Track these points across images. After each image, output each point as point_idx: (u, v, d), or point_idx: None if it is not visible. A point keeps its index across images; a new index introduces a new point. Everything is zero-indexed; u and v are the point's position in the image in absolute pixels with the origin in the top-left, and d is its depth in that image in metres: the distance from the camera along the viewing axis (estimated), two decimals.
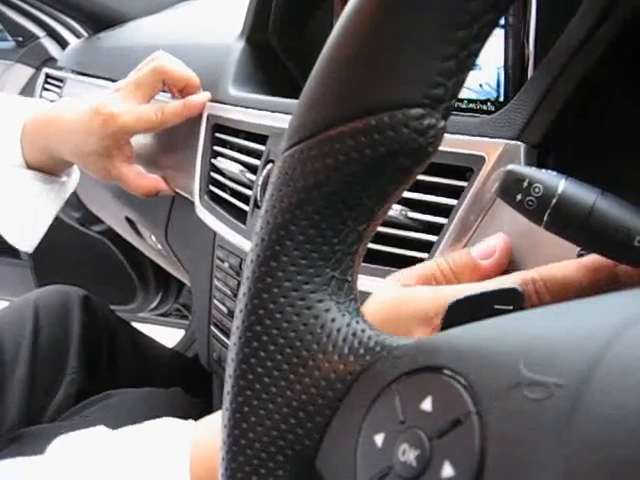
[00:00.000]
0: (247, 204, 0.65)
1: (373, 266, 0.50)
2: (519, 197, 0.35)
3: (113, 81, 1.00)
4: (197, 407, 0.86)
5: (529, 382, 0.20)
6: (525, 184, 0.34)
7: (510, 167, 0.35)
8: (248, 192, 0.66)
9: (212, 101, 0.75)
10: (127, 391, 0.84)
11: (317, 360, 0.27)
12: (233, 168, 0.67)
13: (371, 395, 0.25)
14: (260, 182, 0.63)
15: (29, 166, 0.77)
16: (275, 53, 0.77)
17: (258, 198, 0.63)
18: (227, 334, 0.73)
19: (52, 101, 1.21)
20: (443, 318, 0.31)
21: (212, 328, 0.76)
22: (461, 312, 0.30)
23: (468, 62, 0.25)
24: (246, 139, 0.67)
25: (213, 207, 0.72)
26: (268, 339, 0.28)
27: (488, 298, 0.29)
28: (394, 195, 0.28)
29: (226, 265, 0.72)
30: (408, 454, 0.22)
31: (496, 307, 0.29)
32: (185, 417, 0.86)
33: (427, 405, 0.23)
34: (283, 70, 0.78)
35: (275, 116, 0.64)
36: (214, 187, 0.72)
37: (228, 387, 0.29)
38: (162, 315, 1.86)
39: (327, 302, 0.28)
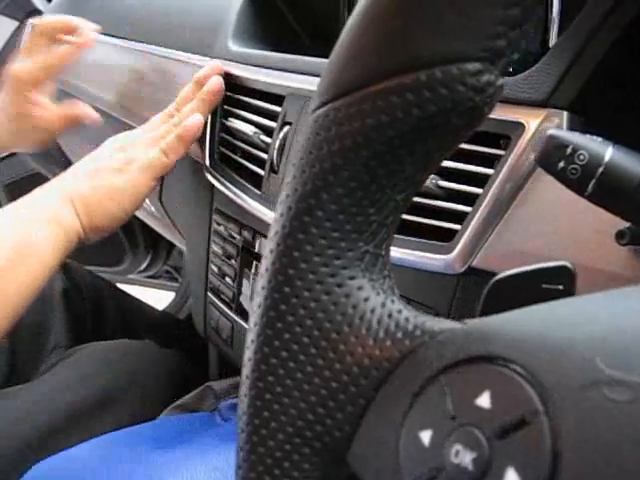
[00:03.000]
0: (261, 168, 0.62)
1: (401, 237, 0.48)
2: (561, 165, 0.32)
3: (103, 34, 0.95)
4: (170, 358, 0.85)
5: (609, 380, 0.18)
6: (569, 151, 0.32)
7: (552, 132, 0.32)
8: (262, 155, 0.62)
9: (214, 57, 0.71)
10: (98, 343, 0.83)
11: (349, 344, 0.24)
12: (247, 129, 0.63)
13: (414, 386, 0.22)
14: (277, 145, 0.59)
15: None
16: (276, 6, 0.73)
17: (274, 162, 0.59)
18: (225, 301, 0.70)
19: None
20: (484, 297, 0.28)
21: (209, 294, 0.74)
22: (504, 291, 0.28)
23: (533, 10, 0.22)
24: (259, 99, 0.63)
25: (224, 170, 0.68)
26: (294, 320, 0.25)
27: (535, 276, 0.27)
28: (438, 161, 0.25)
29: (224, 230, 0.69)
30: (463, 456, 0.20)
31: (544, 286, 0.26)
32: (158, 368, 0.85)
33: (484, 401, 0.20)
34: (284, 24, 0.74)
35: (292, 76, 0.60)
36: (224, 149, 0.69)
37: (247, 371, 0.26)
38: (151, 277, 1.83)
39: (360, 279, 0.25)
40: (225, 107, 0.68)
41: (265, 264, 0.26)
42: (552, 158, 0.32)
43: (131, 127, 0.84)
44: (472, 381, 0.21)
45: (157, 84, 0.81)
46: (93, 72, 0.99)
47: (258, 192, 0.62)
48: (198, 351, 0.86)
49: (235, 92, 0.67)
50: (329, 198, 0.24)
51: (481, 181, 0.44)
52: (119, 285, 1.79)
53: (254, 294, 0.27)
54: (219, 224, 0.70)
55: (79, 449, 0.62)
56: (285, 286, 0.25)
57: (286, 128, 0.59)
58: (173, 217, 0.85)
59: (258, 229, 0.64)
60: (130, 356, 0.80)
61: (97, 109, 0.95)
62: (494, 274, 0.47)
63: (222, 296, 0.71)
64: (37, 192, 0.65)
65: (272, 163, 0.60)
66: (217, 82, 0.67)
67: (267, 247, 0.26)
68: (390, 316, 0.25)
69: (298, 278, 0.25)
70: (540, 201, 0.42)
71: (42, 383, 0.77)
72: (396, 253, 0.48)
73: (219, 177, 0.68)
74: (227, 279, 0.69)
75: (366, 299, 0.25)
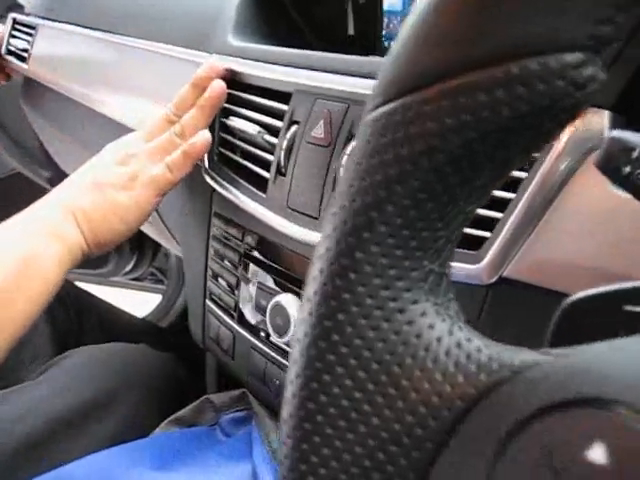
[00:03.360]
0: (266, 169, 0.58)
1: None
2: (627, 170, 0.28)
3: (88, 28, 0.91)
4: (166, 363, 0.82)
5: None
6: (635, 154, 0.28)
7: (615, 134, 0.29)
8: (267, 156, 0.58)
9: (211, 53, 0.67)
10: (90, 347, 0.81)
11: (413, 379, 0.21)
12: (249, 129, 0.60)
13: (500, 431, 0.19)
14: (284, 146, 0.55)
15: None
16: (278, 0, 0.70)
17: (281, 163, 0.56)
18: (226, 310, 0.67)
19: (23, 49, 1.11)
20: (556, 321, 0.25)
21: (208, 303, 0.70)
22: (579, 314, 0.24)
23: None
24: (263, 96, 0.60)
25: (224, 171, 0.64)
26: (348, 351, 0.22)
27: (615, 296, 0.24)
28: (513, 169, 0.22)
29: (224, 234, 0.66)
30: None
31: (626, 308, 0.23)
32: (151, 372, 0.82)
33: (598, 455, 0.17)
34: (287, 18, 0.70)
35: (299, 72, 0.56)
36: (224, 149, 0.65)
37: (291, 410, 0.23)
38: (136, 279, 1.78)
39: (423, 303, 0.22)
40: (225, 105, 0.64)
41: (313, 287, 0.22)
42: (615, 163, 0.29)
43: (119, 126, 0.80)
44: (580, 429, 0.17)
45: (149, 82, 0.77)
46: (77, 68, 0.94)
47: (263, 195, 0.58)
48: (193, 360, 0.82)
49: (236, 89, 0.63)
50: (394, 211, 0.21)
51: (513, 185, 0.41)
52: (103, 288, 1.74)
53: (298, 321, 0.23)
54: (218, 228, 0.66)
55: (75, 466, 0.59)
56: (339, 312, 0.22)
57: (294, 127, 0.55)
58: (167, 220, 0.81)
59: (263, 234, 0.60)
60: (126, 360, 0.77)
61: (82, 106, 0.91)
62: (526, 285, 0.44)
63: (222, 304, 0.67)
64: (37, 206, 0.62)
65: (279, 165, 0.56)
66: (218, 88, 0.63)
67: (315, 266, 0.23)
68: (459, 346, 0.21)
69: (354, 303, 0.21)
70: (577, 208, 0.39)
71: (34, 387, 0.73)
72: None
73: (219, 179, 0.65)
74: (227, 286, 0.65)
75: (431, 326, 0.22)
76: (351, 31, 0.69)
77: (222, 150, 0.66)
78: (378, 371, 0.21)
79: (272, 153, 0.59)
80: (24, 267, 0.56)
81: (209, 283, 0.69)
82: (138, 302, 1.71)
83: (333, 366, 0.22)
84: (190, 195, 0.71)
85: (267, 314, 0.58)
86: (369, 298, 0.21)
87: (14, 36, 1.15)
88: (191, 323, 0.75)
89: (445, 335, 0.22)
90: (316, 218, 0.53)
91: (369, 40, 0.67)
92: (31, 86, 1.16)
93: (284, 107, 0.57)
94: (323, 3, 0.69)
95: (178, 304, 1.56)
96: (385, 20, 0.66)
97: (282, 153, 0.56)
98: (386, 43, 0.66)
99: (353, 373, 0.22)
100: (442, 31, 0.19)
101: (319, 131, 0.53)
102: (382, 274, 0.21)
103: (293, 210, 0.55)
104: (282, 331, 0.56)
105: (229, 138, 0.65)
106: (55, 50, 1.00)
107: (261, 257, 0.61)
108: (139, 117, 0.77)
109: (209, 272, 0.69)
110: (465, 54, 0.19)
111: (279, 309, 0.57)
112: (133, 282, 1.78)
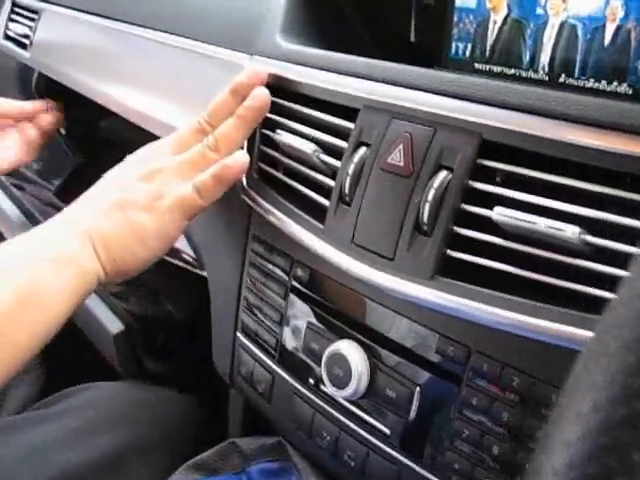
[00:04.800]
0: (321, 194, 0.51)
1: (536, 304, 0.38)
2: None
3: (97, 16, 0.82)
4: (179, 399, 0.77)
5: None
6: None
7: None
8: (325, 180, 0.50)
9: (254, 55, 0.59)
10: (100, 384, 0.76)
11: None
12: (302, 146, 0.51)
13: None
14: (350, 171, 0.47)
15: None
16: None
17: (345, 192, 0.48)
18: (264, 348, 0.59)
19: (23, 35, 1.01)
20: None
21: (240, 336, 0.62)
22: None
23: None
24: (318, 109, 0.52)
25: (267, 191, 0.56)
26: None
27: None
28: None
29: (266, 263, 0.58)
30: None
31: None
32: (165, 411, 0.76)
33: None
34: (340, 18, 0.63)
35: (369, 85, 0.48)
36: (266, 165, 0.57)
37: None
38: None
39: None
40: (268, 115, 0.57)
41: (578, 427, 0.15)
42: None
43: (142, 132, 0.72)
44: None
45: (177, 83, 0.69)
46: (90, 61, 0.86)
47: (319, 225, 0.50)
48: (213, 395, 0.75)
49: (283, 98, 0.56)
50: None
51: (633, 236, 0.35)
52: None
53: (561, 409, 0.16)
54: (258, 255, 0.58)
55: None
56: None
57: (362, 150, 0.48)
58: (193, 234, 0.72)
59: (316, 268, 0.53)
60: (141, 401, 0.69)
61: (102, 108, 0.82)
62: None
63: (259, 341, 0.59)
64: (46, 227, 0.54)
65: (342, 192, 0.49)
66: (263, 96, 0.55)
67: (580, 398, 0.15)
68: None
69: None
70: None
71: (38, 428, 0.66)
72: (528, 323, 0.38)
73: (259, 199, 0.57)
74: (267, 322, 0.58)
75: None
76: (413, 36, 0.61)
77: (263, 166, 0.58)
78: None
79: (327, 175, 0.51)
80: (24, 297, 0.48)
81: (242, 314, 0.61)
82: None
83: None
84: (224, 211, 0.63)
85: (322, 362, 0.50)
86: None
87: (13, 20, 1.06)
88: (216, 354, 0.67)
89: None
90: (390, 259, 0.45)
91: (434, 45, 0.59)
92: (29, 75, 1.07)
93: (348, 125, 0.49)
94: (383, 2, 0.62)
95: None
96: (455, 18, 0.58)
97: (348, 179, 0.48)
98: (455, 46, 0.58)
99: None
100: None
101: (397, 157, 0.46)
102: None
103: (360, 247, 0.47)
104: (341, 384, 0.49)
105: (272, 152, 0.57)
106: (63, 39, 0.91)
107: (314, 294, 0.53)
108: (163, 123, 0.69)
109: (243, 302, 0.61)
110: None
111: (338, 358, 0.49)
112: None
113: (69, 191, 1.08)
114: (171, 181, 0.55)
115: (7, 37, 1.06)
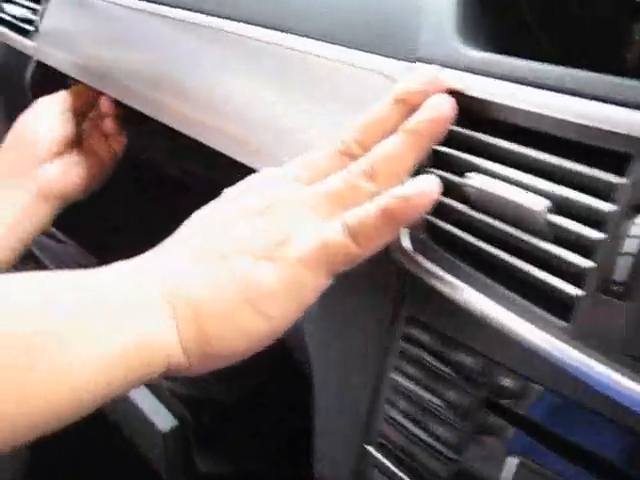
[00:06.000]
0: (554, 274, 0.34)
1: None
2: None
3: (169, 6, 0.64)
4: None
5: None
6: None
7: None
8: (558, 252, 0.34)
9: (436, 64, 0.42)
10: None
11: None
12: (526, 201, 0.34)
13: None
14: (626, 248, 0.31)
15: None
16: None
17: (617, 279, 0.31)
18: (408, 469, 0.42)
19: (25, 20, 0.81)
20: None
21: (370, 449, 0.45)
22: None
23: None
24: (540, 147, 0.36)
25: (442, 256, 0.39)
26: None
27: None
28: None
29: (433, 360, 0.41)
30: None
31: None
32: None
33: None
34: (518, 20, 0.47)
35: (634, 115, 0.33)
36: (438, 219, 0.40)
37: None
38: None
39: None
40: (445, 150, 0.40)
41: None
42: None
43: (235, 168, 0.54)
44: None
45: (308, 101, 0.51)
46: (157, 69, 0.67)
47: (563, 324, 0.34)
48: None
49: (472, 127, 0.39)
50: None
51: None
52: None
53: None
54: (420, 345, 0.42)
55: None
56: None
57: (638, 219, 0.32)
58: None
59: (541, 381, 0.36)
60: None
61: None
62: None
63: (417, 468, 0.42)
64: (108, 279, 0.37)
65: (605, 278, 0.32)
66: (446, 105, 0.38)
67: None
68: None
69: None
70: None
71: None
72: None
73: (426, 266, 0.40)
74: (437, 444, 0.41)
75: None
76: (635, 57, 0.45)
77: (433, 219, 0.41)
78: None
79: (563, 245, 0.35)
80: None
81: (383, 424, 0.44)
82: None
83: None
84: (356, 279, 0.46)
85: None
86: None
87: (10, 1, 0.86)
88: (320, 465, 0.50)
89: None
90: None
91: None
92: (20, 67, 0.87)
93: (611, 178, 0.33)
94: (585, 6, 0.46)
95: None
96: None
97: (622, 260, 0.32)
98: None
99: None
100: None
101: None
102: None
103: (637, 360, 0.31)
104: None
105: (449, 202, 0.40)
106: (98, 28, 0.72)
107: (524, 413, 0.37)
108: (275, 149, 0.51)
109: (384, 405, 0.44)
110: None
111: None
112: None
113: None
114: (303, 218, 0.38)
115: (1, 21, 0.86)
